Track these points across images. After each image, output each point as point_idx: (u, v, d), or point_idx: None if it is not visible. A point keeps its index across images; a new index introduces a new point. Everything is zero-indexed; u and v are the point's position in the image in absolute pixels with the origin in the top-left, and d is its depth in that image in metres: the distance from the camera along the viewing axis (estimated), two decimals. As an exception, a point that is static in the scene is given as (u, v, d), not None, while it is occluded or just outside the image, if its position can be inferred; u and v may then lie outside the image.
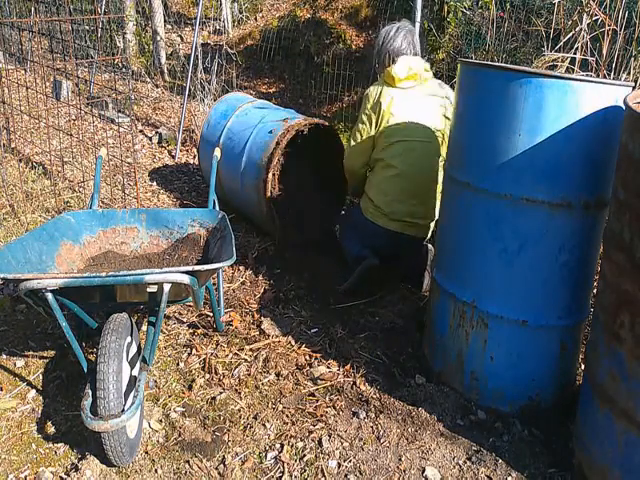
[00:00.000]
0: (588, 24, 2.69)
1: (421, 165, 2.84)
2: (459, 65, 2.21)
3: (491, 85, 1.99)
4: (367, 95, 2.90)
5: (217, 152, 2.83)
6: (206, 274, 2.01)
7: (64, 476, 1.88)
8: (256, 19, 7.84)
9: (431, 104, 2.87)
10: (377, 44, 2.98)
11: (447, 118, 2.88)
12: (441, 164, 2.87)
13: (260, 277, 3.10)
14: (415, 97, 2.85)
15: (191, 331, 2.65)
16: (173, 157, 4.84)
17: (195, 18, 4.88)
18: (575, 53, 2.71)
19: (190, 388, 2.30)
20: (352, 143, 2.97)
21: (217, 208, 2.65)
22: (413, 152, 2.82)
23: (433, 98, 2.88)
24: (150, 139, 5.12)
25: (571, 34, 2.72)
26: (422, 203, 2.87)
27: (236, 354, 2.49)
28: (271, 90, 6.48)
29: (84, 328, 2.36)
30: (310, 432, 2.08)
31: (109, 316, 1.97)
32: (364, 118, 2.89)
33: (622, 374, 1.65)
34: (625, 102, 1.69)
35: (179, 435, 2.07)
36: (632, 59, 2.65)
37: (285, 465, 1.95)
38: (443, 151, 2.90)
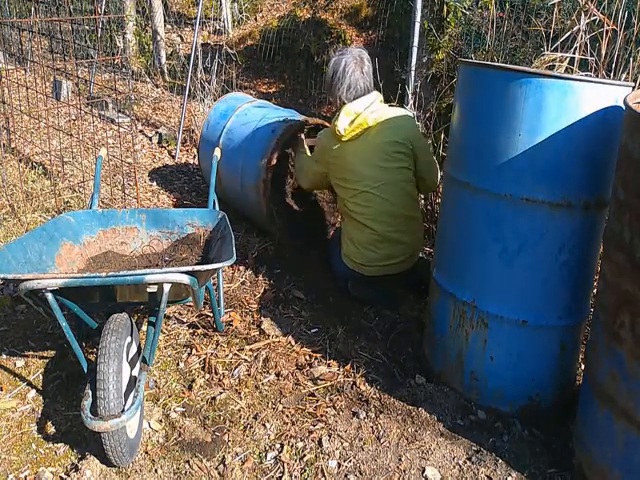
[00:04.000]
0: (587, 24, 2.69)
1: (388, 210, 2.71)
2: (459, 65, 2.21)
3: (491, 85, 1.99)
4: (319, 142, 2.88)
5: (217, 152, 2.83)
6: (206, 274, 2.01)
7: (64, 476, 1.88)
8: (256, 19, 7.84)
9: (385, 150, 2.68)
10: (326, 82, 2.80)
11: (412, 144, 2.72)
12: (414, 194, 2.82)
13: (260, 277, 3.10)
14: (365, 147, 2.69)
15: (191, 331, 2.65)
16: (173, 157, 4.84)
17: (195, 18, 4.88)
18: (574, 53, 2.71)
19: (190, 388, 2.30)
20: (305, 173, 3.00)
21: (217, 208, 2.65)
22: (376, 200, 2.70)
23: (385, 144, 2.68)
24: (150, 139, 5.12)
25: (569, 34, 2.72)
26: (397, 243, 2.76)
27: (236, 354, 2.49)
28: (271, 90, 6.48)
29: (84, 328, 2.36)
30: (310, 432, 2.08)
31: (109, 316, 1.97)
32: (318, 160, 2.88)
33: (622, 374, 1.65)
34: (625, 102, 1.69)
35: (179, 435, 2.07)
36: (631, 59, 2.65)
37: (285, 465, 1.95)
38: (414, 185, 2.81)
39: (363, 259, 2.79)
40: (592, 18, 2.68)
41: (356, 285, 2.90)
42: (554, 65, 2.72)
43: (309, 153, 3.11)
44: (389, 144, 2.70)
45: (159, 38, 6.70)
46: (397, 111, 2.82)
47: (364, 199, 2.73)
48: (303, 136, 3.21)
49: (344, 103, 2.73)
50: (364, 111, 2.68)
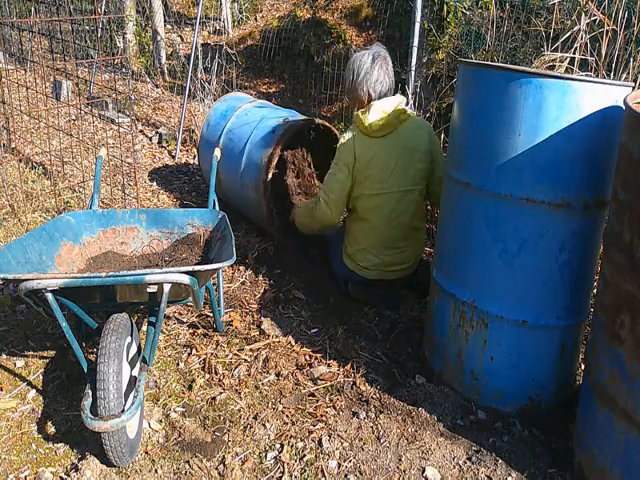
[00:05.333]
0: (587, 24, 2.69)
1: (397, 217, 2.70)
2: (459, 65, 2.21)
3: (491, 85, 1.99)
4: (341, 145, 2.69)
5: (217, 152, 2.83)
6: (206, 274, 2.01)
7: (64, 476, 1.88)
8: (256, 19, 7.84)
9: (408, 155, 2.66)
10: (350, 76, 2.70)
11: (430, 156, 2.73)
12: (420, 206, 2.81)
13: (260, 277, 3.10)
14: (391, 147, 2.64)
15: (191, 331, 2.65)
16: (173, 157, 4.84)
17: (195, 18, 4.88)
18: (574, 53, 2.71)
19: (190, 388, 2.30)
20: (328, 195, 2.72)
21: (217, 208, 2.65)
22: (387, 205, 2.67)
23: (409, 150, 2.66)
24: (150, 139, 5.12)
25: (569, 34, 2.71)
26: (400, 252, 2.76)
27: (236, 354, 2.49)
28: (271, 90, 6.48)
29: (84, 328, 2.36)
30: (310, 432, 2.08)
31: (109, 316, 1.97)
32: (341, 168, 2.67)
33: (622, 374, 1.65)
34: (625, 102, 1.69)
35: (179, 435, 2.07)
36: (631, 59, 2.64)
37: (285, 465, 1.95)
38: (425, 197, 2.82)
39: (365, 262, 2.78)
40: (592, 18, 2.68)
41: (356, 287, 2.89)
42: (554, 65, 2.72)
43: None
44: (413, 151, 2.68)
45: (159, 38, 6.70)
46: (421, 121, 2.83)
47: (378, 202, 2.68)
48: (298, 200, 3.25)
49: (370, 99, 2.67)
50: (393, 112, 2.63)
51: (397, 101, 2.68)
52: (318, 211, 2.78)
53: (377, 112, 2.62)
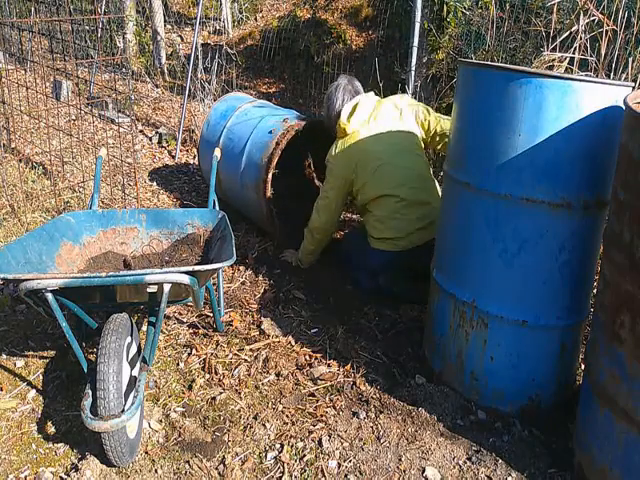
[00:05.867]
0: (586, 24, 2.69)
1: (404, 175, 2.83)
2: (459, 65, 2.21)
3: (491, 85, 1.99)
4: (328, 160, 2.94)
5: (217, 152, 2.83)
6: (206, 274, 2.01)
7: (64, 476, 1.88)
8: (256, 19, 7.84)
9: (388, 124, 2.89)
10: (324, 114, 3.06)
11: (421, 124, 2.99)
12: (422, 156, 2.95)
13: (260, 277, 3.10)
14: (369, 129, 2.87)
15: (191, 331, 2.65)
16: (173, 157, 4.84)
17: (195, 18, 4.88)
18: (574, 53, 2.71)
19: (190, 388, 2.30)
20: (324, 203, 2.99)
21: (217, 208, 2.65)
22: (390, 172, 2.82)
23: (388, 119, 2.90)
24: (150, 139, 5.12)
25: (567, 34, 2.71)
26: (422, 204, 2.82)
27: (236, 354, 2.49)
28: (271, 90, 6.48)
29: (84, 328, 2.36)
30: (310, 432, 2.08)
31: (109, 316, 1.97)
32: (333, 184, 2.93)
33: (622, 374, 1.65)
34: (625, 102, 1.69)
35: (179, 435, 2.07)
36: (630, 59, 2.64)
37: (285, 465, 1.95)
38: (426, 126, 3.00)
39: (394, 232, 2.82)
40: (592, 18, 2.68)
41: (388, 278, 2.90)
42: (553, 65, 2.72)
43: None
44: (394, 119, 2.90)
45: (159, 38, 6.70)
46: (392, 97, 3.06)
47: (382, 173, 2.81)
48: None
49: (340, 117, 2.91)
50: (360, 100, 2.90)
51: (364, 96, 2.97)
52: (317, 220, 3.04)
53: (346, 110, 2.89)
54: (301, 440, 2.05)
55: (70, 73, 5.82)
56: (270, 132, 3.23)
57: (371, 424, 2.12)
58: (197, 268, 1.91)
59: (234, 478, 1.91)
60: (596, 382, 1.79)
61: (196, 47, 4.97)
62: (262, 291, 2.98)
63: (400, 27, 5.65)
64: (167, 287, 1.89)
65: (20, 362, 2.41)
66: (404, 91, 3.98)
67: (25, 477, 1.90)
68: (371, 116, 2.89)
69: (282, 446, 2.02)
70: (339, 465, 1.95)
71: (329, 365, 2.44)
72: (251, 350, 2.52)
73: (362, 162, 2.84)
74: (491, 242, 2.06)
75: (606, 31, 2.63)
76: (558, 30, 2.87)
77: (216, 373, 2.38)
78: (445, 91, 3.92)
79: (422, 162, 2.92)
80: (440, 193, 2.91)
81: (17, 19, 6.77)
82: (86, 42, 6.47)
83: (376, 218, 2.87)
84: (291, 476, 1.91)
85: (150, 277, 1.84)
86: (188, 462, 1.95)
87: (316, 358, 2.48)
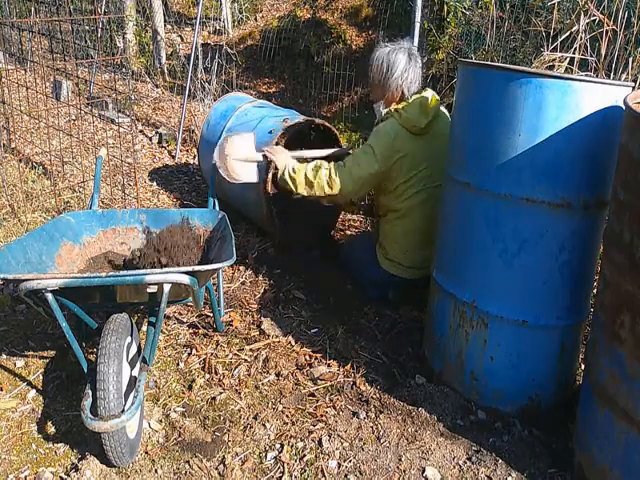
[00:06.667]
0: (587, 24, 2.69)
1: (435, 213, 2.58)
2: (459, 65, 2.21)
3: (491, 85, 1.99)
4: (381, 131, 2.61)
5: (217, 152, 2.83)
6: (206, 274, 2.01)
7: (64, 476, 1.88)
8: (256, 19, 7.84)
9: (444, 149, 2.48)
10: (384, 70, 2.64)
11: None
12: None
13: (260, 277, 3.10)
14: (432, 140, 2.62)
15: (191, 331, 2.65)
16: (173, 157, 4.84)
17: (195, 18, 4.88)
18: (574, 53, 2.71)
19: (190, 388, 2.30)
20: (354, 171, 2.60)
21: (217, 208, 2.65)
22: (431, 199, 2.62)
23: (445, 145, 2.55)
24: (150, 139, 5.12)
25: (567, 34, 2.71)
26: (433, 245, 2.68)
27: (236, 354, 2.49)
28: (271, 90, 6.48)
29: (84, 328, 2.36)
30: (310, 432, 2.08)
31: (109, 316, 1.97)
32: (374, 151, 2.58)
33: (622, 374, 1.65)
34: (625, 102, 1.69)
35: (179, 435, 2.07)
36: (630, 59, 2.64)
37: (285, 465, 1.95)
38: None
39: (409, 262, 2.74)
40: (592, 18, 2.68)
41: (397, 293, 2.86)
42: (553, 65, 2.72)
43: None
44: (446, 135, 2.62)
45: (159, 38, 6.70)
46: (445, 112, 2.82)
47: (422, 199, 2.65)
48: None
49: (403, 97, 2.66)
50: (433, 104, 2.62)
51: (431, 92, 2.68)
52: (339, 177, 2.61)
53: (422, 109, 2.58)
54: (301, 440, 2.05)
55: (70, 73, 5.83)
56: (270, 132, 3.23)
57: (371, 424, 2.12)
58: (197, 268, 1.91)
59: (234, 478, 1.91)
60: (596, 382, 1.79)
61: (196, 47, 4.97)
62: (262, 291, 2.98)
63: (400, 27, 5.66)
64: (167, 287, 1.89)
65: (20, 362, 2.41)
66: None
67: (25, 477, 1.90)
68: (434, 127, 2.63)
69: (282, 446, 2.02)
70: (339, 465, 1.95)
71: (329, 365, 2.44)
72: (251, 350, 2.52)
73: (411, 176, 2.63)
74: (491, 242, 2.06)
75: (606, 31, 2.63)
76: (558, 30, 2.87)
77: (216, 373, 2.38)
78: (445, 91, 3.92)
79: None
80: None
81: (17, 19, 6.77)
82: (86, 42, 6.47)
83: (397, 240, 2.74)
84: (291, 476, 1.91)
85: (150, 277, 1.84)
86: (188, 462, 1.95)
87: (316, 358, 2.48)
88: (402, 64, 2.63)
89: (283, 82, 6.58)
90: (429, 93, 2.68)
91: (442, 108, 2.77)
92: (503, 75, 1.95)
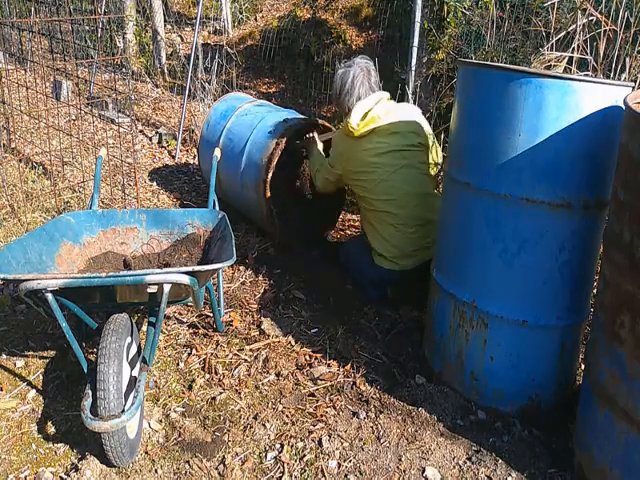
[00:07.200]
0: (584, 23, 2.69)
1: (407, 192, 2.74)
2: (459, 65, 2.21)
3: (491, 85, 1.99)
4: (335, 144, 2.91)
5: (217, 152, 2.83)
6: (206, 274, 2.01)
7: (64, 476, 1.88)
8: (256, 19, 7.84)
9: (395, 141, 2.75)
10: (336, 90, 2.88)
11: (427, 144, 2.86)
12: (432, 169, 2.87)
13: (260, 277, 3.10)
14: (377, 141, 2.73)
15: (191, 331, 2.65)
16: (173, 157, 4.84)
17: (195, 18, 4.88)
18: (572, 53, 2.71)
19: (190, 388, 2.30)
20: (320, 172, 3.02)
21: (217, 208, 2.65)
22: (393, 188, 2.73)
23: (396, 136, 2.75)
24: (150, 139, 5.12)
25: (564, 33, 2.71)
26: (425, 223, 2.76)
27: (236, 354, 2.49)
28: (271, 90, 6.48)
29: (84, 328, 2.36)
30: (310, 432, 2.08)
31: (109, 316, 1.97)
32: (333, 163, 2.90)
33: (622, 374, 1.65)
34: (625, 102, 1.69)
35: (179, 435, 2.07)
36: (628, 59, 2.64)
37: (285, 465, 1.95)
38: (432, 155, 2.89)
39: (397, 251, 2.78)
40: (590, 18, 2.68)
41: (397, 290, 2.89)
42: (552, 64, 2.72)
43: (322, 150, 3.14)
44: (402, 136, 2.76)
45: (159, 38, 6.70)
46: (406, 105, 2.98)
47: (385, 188, 2.75)
48: (316, 135, 3.20)
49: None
50: (375, 106, 2.74)
51: (378, 97, 2.81)
52: (314, 174, 3.14)
53: (358, 113, 2.73)
54: (301, 440, 2.05)
55: (70, 73, 5.82)
56: (270, 132, 3.23)
57: (371, 424, 2.12)
58: (197, 268, 1.91)
59: (234, 478, 1.91)
60: (596, 382, 1.79)
61: (196, 47, 4.97)
62: (262, 291, 2.98)
63: (400, 27, 5.66)
64: (167, 287, 1.89)
65: (20, 362, 2.41)
66: (404, 91, 3.98)
67: (25, 477, 1.90)
68: (379, 125, 2.73)
69: (282, 446, 2.02)
70: (339, 465, 1.95)
71: (329, 365, 2.44)
72: (251, 350, 2.52)
73: (365, 172, 2.77)
74: (491, 242, 2.06)
75: (604, 31, 2.62)
76: (557, 29, 2.87)
77: (216, 373, 2.38)
78: (445, 91, 3.92)
79: (426, 178, 2.82)
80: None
81: (17, 19, 6.77)
82: (86, 42, 6.47)
83: (377, 233, 2.83)
84: (291, 476, 1.91)
85: (150, 277, 1.84)
86: (188, 462, 1.95)
87: (316, 358, 2.48)
88: (347, 84, 2.81)
89: (283, 82, 6.58)
90: (375, 95, 2.82)
91: (398, 105, 2.92)
92: (503, 75, 1.95)
